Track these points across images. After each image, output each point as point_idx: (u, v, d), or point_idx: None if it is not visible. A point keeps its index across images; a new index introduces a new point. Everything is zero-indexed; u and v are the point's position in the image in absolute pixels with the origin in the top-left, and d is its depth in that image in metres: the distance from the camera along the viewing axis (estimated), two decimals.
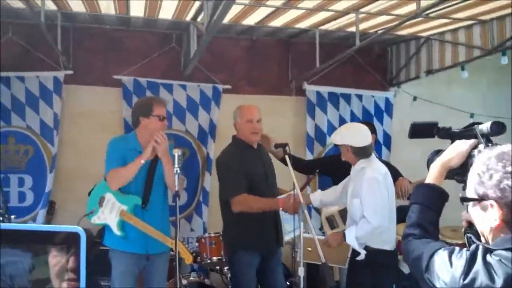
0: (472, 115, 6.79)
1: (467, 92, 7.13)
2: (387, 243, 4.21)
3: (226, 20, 5.42)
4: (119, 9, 5.36)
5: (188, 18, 5.48)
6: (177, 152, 3.80)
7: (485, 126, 2.00)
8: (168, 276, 5.03)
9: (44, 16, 4.75)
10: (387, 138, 6.82)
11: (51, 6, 5.20)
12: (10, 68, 5.90)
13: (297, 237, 4.22)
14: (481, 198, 1.64)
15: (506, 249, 1.56)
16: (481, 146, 1.97)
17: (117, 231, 4.12)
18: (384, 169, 4.29)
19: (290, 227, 4.30)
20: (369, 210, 4.06)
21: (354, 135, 4.25)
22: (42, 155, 6.01)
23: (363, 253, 4.12)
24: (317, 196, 4.63)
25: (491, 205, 1.61)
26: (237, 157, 4.49)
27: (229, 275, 5.21)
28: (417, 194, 2.01)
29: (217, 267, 5.09)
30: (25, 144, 6.02)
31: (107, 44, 6.32)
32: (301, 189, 4.70)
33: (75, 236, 1.41)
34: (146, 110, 4.23)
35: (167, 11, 5.35)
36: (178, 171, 3.78)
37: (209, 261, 4.87)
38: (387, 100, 6.84)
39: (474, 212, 1.70)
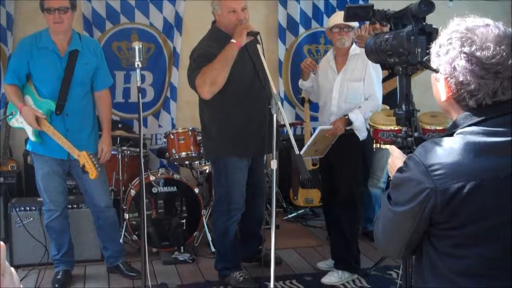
0: None
1: None
2: None
3: None
4: None
5: None
6: (137, 45, 3.36)
7: (414, 6, 1.94)
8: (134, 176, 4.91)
9: None
10: None
11: None
12: None
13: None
14: (435, 70, 1.62)
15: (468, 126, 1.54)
16: None
17: (31, 137, 3.84)
18: None
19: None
20: (378, 88, 4.03)
21: None
22: None
23: (365, 133, 3.98)
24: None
25: (438, 79, 1.61)
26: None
27: (199, 169, 5.11)
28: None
29: (187, 162, 4.93)
30: None
31: None
32: None
33: None
34: (40, 5, 3.79)
35: None
36: (140, 65, 3.36)
37: (177, 156, 4.74)
38: None
39: (432, 81, 1.67)
